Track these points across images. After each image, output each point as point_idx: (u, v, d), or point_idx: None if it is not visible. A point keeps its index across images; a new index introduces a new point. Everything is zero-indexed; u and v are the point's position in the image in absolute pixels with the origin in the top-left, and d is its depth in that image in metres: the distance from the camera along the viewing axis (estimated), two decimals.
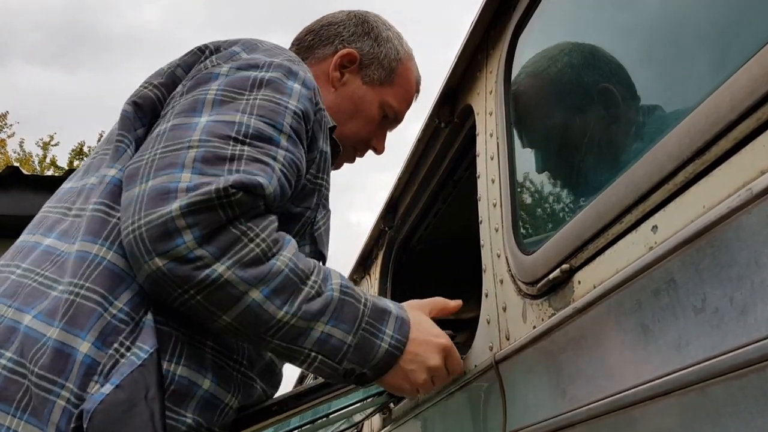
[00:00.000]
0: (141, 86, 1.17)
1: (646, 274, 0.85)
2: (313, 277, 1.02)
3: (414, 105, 1.67)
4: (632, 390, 0.85)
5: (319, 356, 1.02)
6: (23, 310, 0.94)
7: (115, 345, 0.93)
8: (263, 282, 0.96)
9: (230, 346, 1.08)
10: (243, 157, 1.00)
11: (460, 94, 1.81)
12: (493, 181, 1.44)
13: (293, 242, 1.05)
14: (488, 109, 1.55)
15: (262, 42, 1.21)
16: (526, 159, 1.35)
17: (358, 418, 2.28)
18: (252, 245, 0.96)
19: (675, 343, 0.78)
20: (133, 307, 0.97)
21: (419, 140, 2.05)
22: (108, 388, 0.89)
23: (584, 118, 1.20)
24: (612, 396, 0.89)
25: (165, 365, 0.97)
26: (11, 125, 16.57)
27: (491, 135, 1.50)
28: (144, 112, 1.13)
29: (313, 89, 1.17)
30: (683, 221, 0.78)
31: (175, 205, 0.92)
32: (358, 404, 1.49)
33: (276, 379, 1.22)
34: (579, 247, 1.02)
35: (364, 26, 1.50)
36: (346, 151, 1.46)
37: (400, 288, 2.67)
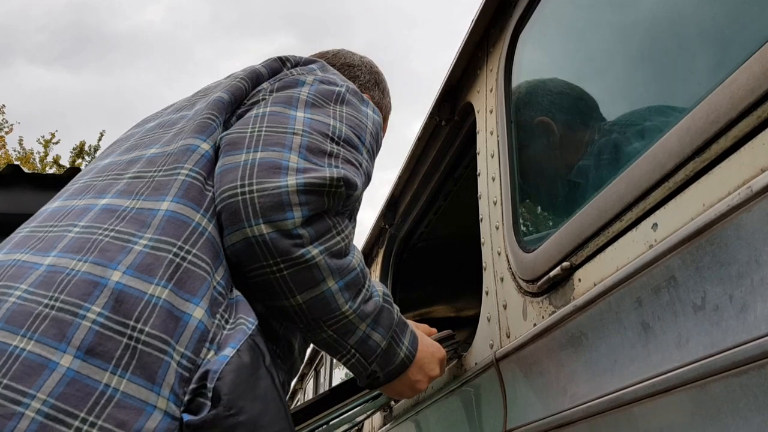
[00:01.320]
0: (231, 79, 1.21)
1: (646, 272, 0.85)
2: (368, 281, 1.10)
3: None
4: (632, 387, 0.85)
5: (357, 354, 1.09)
6: (105, 264, 0.89)
7: (218, 316, 0.94)
8: (341, 274, 1.02)
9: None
10: (340, 156, 1.08)
11: (460, 92, 1.81)
12: (493, 179, 1.45)
13: (361, 253, 1.14)
14: (488, 107, 1.55)
15: (329, 67, 1.31)
16: (527, 156, 1.35)
17: (359, 417, 2.28)
18: (338, 238, 1.03)
19: (675, 341, 0.79)
20: (226, 283, 0.98)
21: (420, 138, 2.05)
22: (230, 351, 0.89)
23: (584, 118, 1.20)
24: (612, 393, 0.90)
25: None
26: (11, 125, 16.56)
27: (491, 133, 1.50)
28: (236, 100, 1.17)
29: (380, 118, 1.28)
30: (683, 219, 0.78)
31: (291, 180, 0.98)
32: (360, 407, 1.50)
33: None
34: (579, 244, 1.02)
35: (375, 76, 1.60)
36: None
37: (401, 286, 2.68)
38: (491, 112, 1.53)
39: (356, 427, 2.56)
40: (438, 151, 2.03)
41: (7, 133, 16.34)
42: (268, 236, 0.95)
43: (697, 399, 0.74)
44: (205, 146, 1.06)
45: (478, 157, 1.57)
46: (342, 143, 1.10)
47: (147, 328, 0.86)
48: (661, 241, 0.82)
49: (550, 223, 1.22)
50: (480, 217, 1.51)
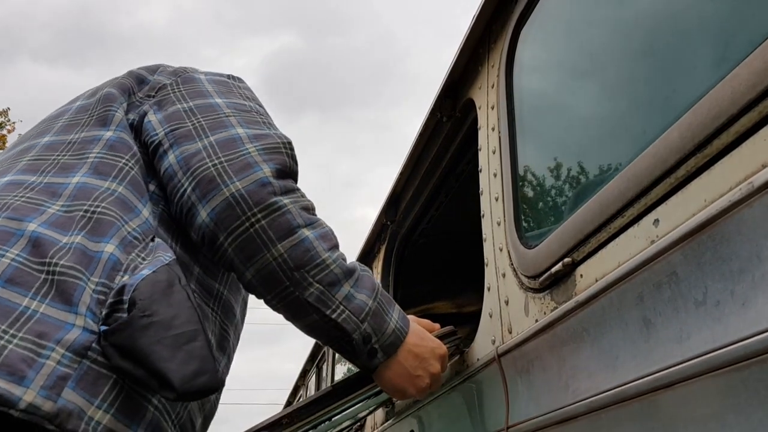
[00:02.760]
0: (112, 80, 1.28)
1: (648, 268, 0.85)
2: (339, 247, 1.14)
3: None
4: (634, 383, 0.85)
5: (347, 310, 1.09)
6: (20, 219, 0.96)
7: (133, 254, 0.99)
8: (314, 226, 1.08)
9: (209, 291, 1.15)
10: (271, 123, 1.19)
11: (461, 88, 1.81)
12: (495, 175, 1.45)
13: None
14: (490, 103, 1.55)
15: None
16: (528, 153, 1.35)
17: (361, 413, 2.29)
18: (305, 199, 1.11)
19: (676, 336, 0.79)
20: (143, 231, 1.04)
21: (421, 134, 2.05)
22: (147, 271, 0.95)
23: (586, 112, 1.20)
24: (614, 389, 0.90)
25: (215, 284, 1.14)
26: (14, 122, 16.56)
27: (493, 129, 1.50)
28: (123, 93, 1.23)
29: None
30: (685, 215, 0.78)
31: (250, 146, 1.09)
32: (362, 403, 1.50)
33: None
34: (581, 240, 1.02)
35: None
36: None
37: (403, 282, 2.68)
38: (492, 108, 1.53)
39: (358, 423, 2.57)
40: (439, 147, 2.03)
41: (9, 131, 16.34)
42: (244, 189, 1.03)
43: (699, 394, 0.74)
44: (108, 133, 1.14)
45: (480, 153, 1.57)
46: (262, 114, 1.20)
47: (62, 262, 0.92)
48: (663, 237, 0.82)
49: (552, 220, 1.22)
50: (481, 213, 1.51)
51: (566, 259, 1.05)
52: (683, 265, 0.78)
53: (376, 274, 2.71)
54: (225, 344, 1.16)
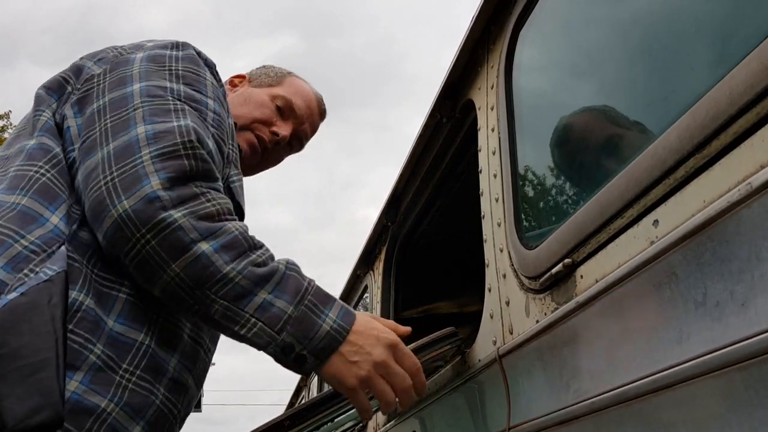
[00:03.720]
0: (51, 78, 1.25)
1: (647, 268, 0.85)
2: (261, 250, 1.05)
3: (324, 123, 1.71)
4: (635, 383, 0.86)
5: (260, 323, 1.00)
6: None
7: (25, 270, 0.96)
8: (213, 236, 1.00)
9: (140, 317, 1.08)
10: (186, 110, 1.10)
11: (461, 89, 1.81)
12: (495, 176, 1.45)
13: (245, 224, 1.09)
14: (489, 104, 1.55)
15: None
16: (528, 153, 1.35)
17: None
18: (208, 204, 1.02)
19: (676, 337, 0.79)
20: (46, 241, 1.00)
21: (421, 135, 2.06)
22: (13, 295, 0.92)
23: (586, 112, 1.21)
24: (615, 389, 0.90)
25: (73, 294, 0.99)
26: (15, 126, 16.64)
27: (493, 129, 1.50)
28: (54, 90, 1.19)
29: (213, 66, 1.28)
30: (684, 215, 0.78)
31: (145, 152, 1.01)
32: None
33: (184, 395, 1.15)
34: (581, 241, 1.02)
35: (261, 69, 1.65)
36: (244, 133, 1.47)
37: (404, 282, 2.68)
38: (492, 108, 1.53)
39: (361, 425, 2.57)
40: (439, 148, 2.04)
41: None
42: (130, 209, 0.97)
43: (699, 394, 0.74)
44: (31, 142, 1.11)
45: (480, 154, 1.57)
46: (184, 99, 1.12)
47: None
48: (663, 238, 0.82)
49: (552, 220, 1.22)
50: (482, 214, 1.51)
51: (566, 260, 1.05)
52: (683, 265, 0.78)
53: (378, 275, 2.71)
54: (174, 341, 1.09)
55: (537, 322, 1.16)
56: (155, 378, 1.05)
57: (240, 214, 1.26)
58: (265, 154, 1.51)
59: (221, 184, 1.11)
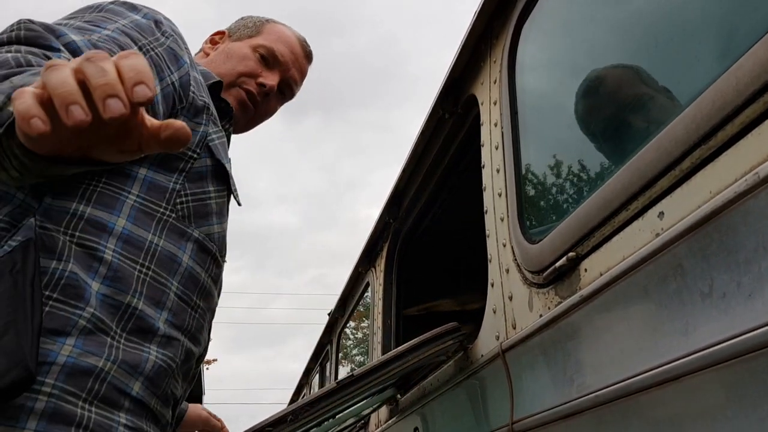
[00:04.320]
0: None
1: (653, 261, 0.85)
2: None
3: (303, 71, 1.60)
4: (639, 376, 0.85)
5: None
6: None
7: None
8: None
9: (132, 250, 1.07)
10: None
11: (463, 84, 1.80)
12: (498, 171, 1.44)
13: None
14: (492, 99, 1.55)
15: None
16: (531, 148, 1.35)
17: (365, 411, 2.29)
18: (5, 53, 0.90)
19: (682, 329, 0.79)
20: (15, 216, 1.00)
21: (423, 132, 2.05)
22: None
23: (590, 106, 1.20)
24: (619, 383, 0.90)
25: (53, 263, 0.99)
26: None
27: (495, 124, 1.50)
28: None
29: (153, 20, 1.19)
30: (690, 207, 0.78)
31: None
32: (365, 400, 1.50)
33: (178, 349, 1.14)
34: (585, 234, 1.02)
35: (240, 21, 1.57)
36: (231, 90, 1.44)
37: (406, 280, 2.68)
38: (495, 103, 1.53)
39: (362, 421, 2.57)
40: (442, 144, 2.03)
41: None
42: None
43: (705, 387, 0.74)
44: None
45: (483, 149, 1.57)
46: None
47: None
48: (668, 230, 0.81)
49: (556, 215, 1.21)
50: (485, 209, 1.51)
51: (570, 254, 1.05)
52: (689, 257, 0.78)
53: (380, 272, 2.71)
54: (162, 298, 1.10)
55: (540, 316, 1.16)
56: (144, 338, 1.06)
57: (222, 173, 1.24)
58: (257, 107, 1.50)
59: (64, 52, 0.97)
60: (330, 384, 1.30)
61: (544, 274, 1.14)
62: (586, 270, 1.02)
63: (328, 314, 3.85)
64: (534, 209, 1.32)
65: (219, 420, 1.73)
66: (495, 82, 1.55)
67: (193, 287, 1.17)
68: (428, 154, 2.15)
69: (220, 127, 1.29)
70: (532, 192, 1.34)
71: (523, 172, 1.34)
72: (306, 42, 1.60)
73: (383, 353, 2.52)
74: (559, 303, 1.09)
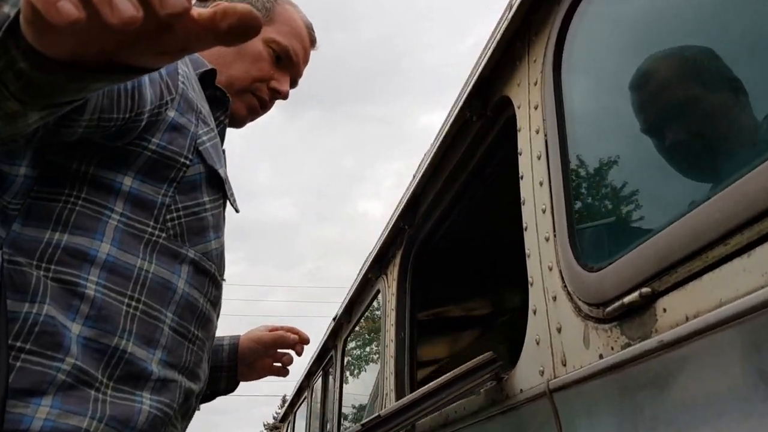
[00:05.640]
0: None
1: (764, 312, 0.70)
2: None
3: (302, 58, 1.42)
4: None
5: None
6: None
7: None
8: None
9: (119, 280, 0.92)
10: None
11: (494, 84, 1.65)
12: (541, 184, 1.29)
13: None
14: (532, 103, 1.39)
15: None
16: (584, 159, 1.19)
17: None
18: None
19: None
20: None
21: (446, 134, 1.89)
22: None
23: (681, 106, 1.04)
24: None
25: (25, 306, 0.84)
26: None
27: (537, 131, 1.34)
28: None
29: None
30: None
31: None
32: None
33: (177, 392, 0.99)
34: (665, 268, 0.86)
35: None
36: (243, 96, 1.29)
37: (420, 288, 2.53)
38: (536, 108, 1.37)
39: None
40: (467, 148, 1.88)
41: None
42: None
43: None
44: None
45: (520, 158, 1.41)
46: None
47: None
48: None
49: (621, 240, 1.06)
50: (524, 225, 1.35)
51: (644, 289, 0.90)
52: None
53: (392, 280, 2.56)
54: (155, 334, 0.94)
55: (601, 357, 1.01)
56: (136, 385, 0.91)
57: (216, 179, 1.08)
58: (265, 110, 1.35)
59: None
60: (355, 427, 1.15)
61: (607, 309, 0.98)
62: (665, 310, 0.87)
63: (334, 319, 3.71)
64: (589, 231, 1.17)
65: (281, 331, 1.48)
66: (535, 84, 1.39)
67: (190, 316, 1.02)
68: (450, 158, 1.99)
69: (212, 126, 1.13)
70: (585, 211, 1.18)
71: (574, 186, 1.19)
72: (312, 27, 1.42)
73: (396, 367, 2.38)
74: (628, 345, 0.94)
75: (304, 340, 1.50)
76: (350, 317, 3.51)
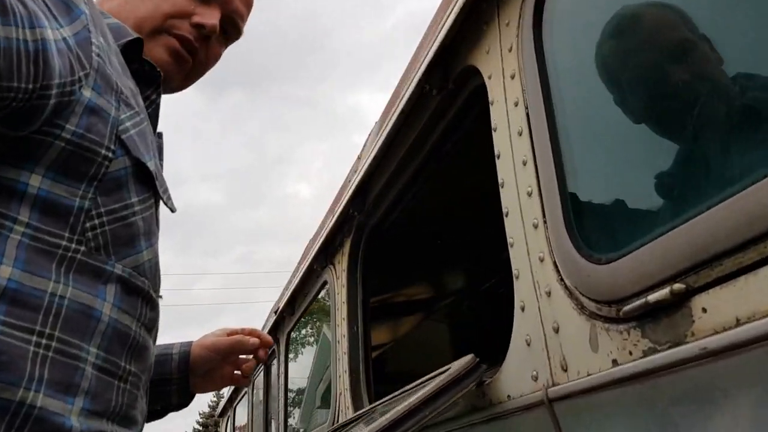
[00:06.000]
0: None
1: None
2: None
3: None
4: None
5: None
6: None
7: None
8: None
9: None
10: None
11: (458, 53, 1.48)
12: (524, 164, 1.14)
13: None
14: (507, 71, 1.23)
15: None
16: (577, 132, 1.05)
17: None
18: None
19: None
20: None
21: (402, 111, 1.71)
22: None
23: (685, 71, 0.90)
24: None
25: None
26: None
27: (516, 104, 1.19)
28: None
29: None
30: None
31: None
32: None
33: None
34: (705, 261, 0.72)
35: None
36: (158, 38, 1.06)
37: (372, 277, 2.36)
38: (512, 77, 1.21)
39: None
40: (424, 125, 1.71)
41: None
42: None
43: None
44: None
45: (495, 135, 1.26)
46: None
47: None
48: None
49: (636, 225, 0.91)
50: (504, 210, 1.20)
51: (676, 285, 0.75)
52: None
53: (341, 270, 2.37)
54: (74, 378, 0.75)
55: (615, 363, 0.87)
56: None
57: (144, 174, 0.88)
58: (195, 56, 1.10)
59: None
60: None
61: (625, 308, 0.84)
62: (704, 310, 0.73)
63: (275, 312, 3.50)
64: (590, 216, 1.02)
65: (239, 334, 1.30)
66: (510, 50, 1.23)
67: (119, 349, 0.81)
68: (405, 137, 1.82)
69: (137, 109, 0.91)
70: (584, 193, 1.04)
71: (567, 165, 1.04)
72: None
73: (351, 364, 2.21)
74: (653, 350, 0.80)
75: (267, 343, 1.31)
76: (293, 310, 3.31)
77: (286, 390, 3.56)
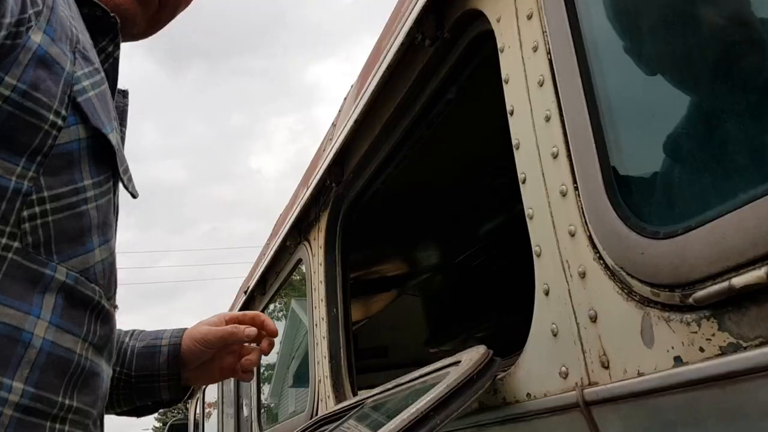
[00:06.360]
0: None
1: None
2: None
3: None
4: None
5: None
6: None
7: None
8: None
9: None
10: None
11: None
12: (547, 119, 0.95)
13: None
14: (523, 11, 1.04)
15: None
16: (624, 77, 0.86)
17: None
18: None
19: None
20: None
21: (387, 67, 1.51)
22: None
23: None
24: None
25: None
26: None
27: (535, 48, 1.00)
28: None
29: None
30: None
31: None
32: None
33: None
34: None
35: None
36: None
37: (351, 252, 2.17)
38: (530, 17, 1.02)
39: None
40: (414, 81, 1.50)
41: None
42: None
43: None
44: None
45: (507, 88, 1.07)
46: None
47: None
48: None
49: (712, 192, 0.73)
50: (520, 176, 1.02)
51: None
52: None
53: (317, 247, 2.18)
54: None
55: (680, 360, 0.70)
56: None
57: (104, 149, 0.70)
58: None
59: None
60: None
61: (697, 293, 0.67)
62: None
63: (245, 292, 3.29)
64: (640, 177, 0.84)
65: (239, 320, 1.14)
66: None
67: (56, 381, 0.62)
68: (391, 95, 1.62)
69: (96, 65, 0.71)
70: (632, 150, 0.85)
71: (605, 117, 0.85)
72: None
73: (331, 349, 2.02)
74: (738, 347, 0.63)
75: (271, 332, 1.13)
76: (264, 290, 3.10)
77: (259, 375, 3.37)
